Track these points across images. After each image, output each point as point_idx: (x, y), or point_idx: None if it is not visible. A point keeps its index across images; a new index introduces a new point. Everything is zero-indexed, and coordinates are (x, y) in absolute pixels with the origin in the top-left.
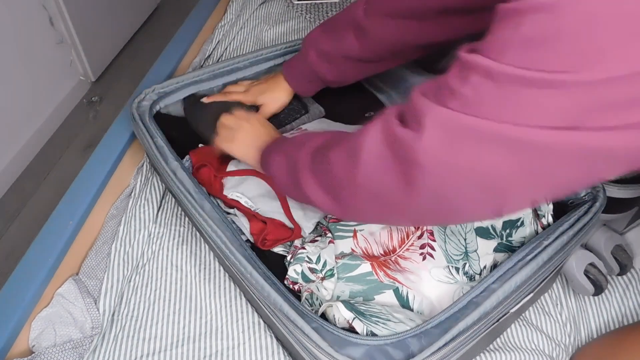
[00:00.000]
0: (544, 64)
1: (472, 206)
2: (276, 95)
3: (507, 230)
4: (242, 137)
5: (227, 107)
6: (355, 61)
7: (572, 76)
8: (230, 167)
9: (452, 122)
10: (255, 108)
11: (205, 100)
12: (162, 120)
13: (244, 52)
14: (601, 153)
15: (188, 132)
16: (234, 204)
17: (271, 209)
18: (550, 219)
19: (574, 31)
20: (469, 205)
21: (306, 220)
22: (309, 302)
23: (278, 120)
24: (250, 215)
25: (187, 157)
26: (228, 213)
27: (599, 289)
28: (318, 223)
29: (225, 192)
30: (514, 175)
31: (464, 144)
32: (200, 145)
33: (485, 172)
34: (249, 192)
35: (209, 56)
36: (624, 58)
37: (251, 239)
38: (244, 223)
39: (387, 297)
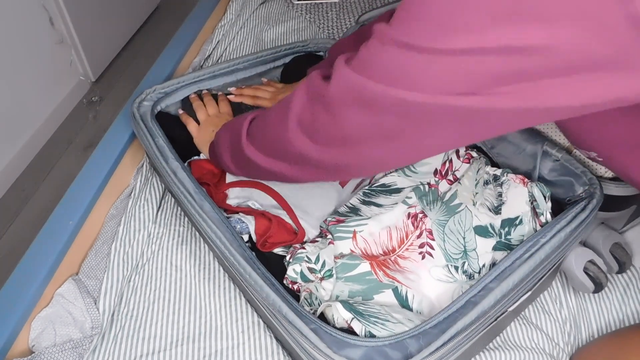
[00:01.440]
0: (418, 35)
1: (372, 152)
2: None
3: (506, 229)
4: (207, 130)
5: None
6: None
7: (439, 45)
8: (230, 177)
9: (350, 79)
10: None
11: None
12: (162, 119)
13: (243, 52)
14: (478, 115)
15: (188, 132)
16: (239, 210)
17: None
18: (549, 217)
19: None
20: (370, 151)
21: (313, 228)
22: (307, 302)
23: None
24: (258, 213)
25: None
26: (228, 217)
27: (598, 287)
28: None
29: (230, 202)
30: (403, 129)
31: (358, 101)
32: (201, 154)
33: (375, 124)
34: (259, 201)
35: (209, 56)
36: (487, 33)
37: (254, 238)
38: (248, 223)
39: (386, 296)
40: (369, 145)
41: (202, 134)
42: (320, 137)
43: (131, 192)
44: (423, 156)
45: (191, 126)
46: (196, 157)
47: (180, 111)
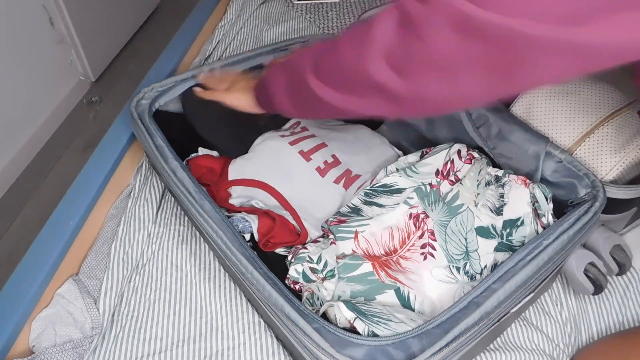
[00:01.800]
0: None
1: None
2: None
3: (507, 230)
4: (238, 88)
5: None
6: None
7: None
8: (232, 174)
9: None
10: None
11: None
12: (162, 118)
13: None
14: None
15: (187, 129)
16: (242, 209)
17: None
18: (551, 219)
19: None
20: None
21: (315, 229)
22: (309, 302)
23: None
24: (261, 213)
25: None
26: (230, 216)
27: (598, 289)
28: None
29: (233, 202)
30: (507, 62)
31: (459, 26)
32: (199, 149)
33: (474, 53)
34: (262, 201)
35: (209, 56)
36: None
37: (256, 237)
38: (251, 222)
39: (388, 297)
40: (462, 77)
41: (231, 91)
42: (408, 67)
43: (131, 192)
44: (519, 91)
45: (216, 93)
46: (194, 155)
47: (197, 88)
